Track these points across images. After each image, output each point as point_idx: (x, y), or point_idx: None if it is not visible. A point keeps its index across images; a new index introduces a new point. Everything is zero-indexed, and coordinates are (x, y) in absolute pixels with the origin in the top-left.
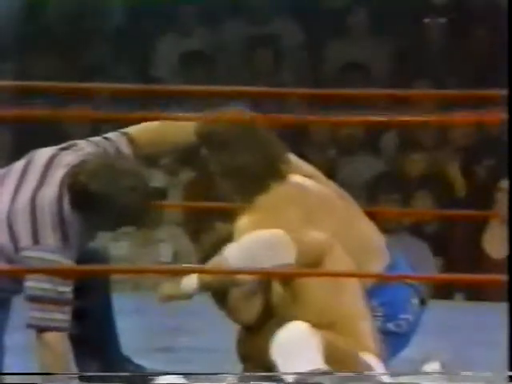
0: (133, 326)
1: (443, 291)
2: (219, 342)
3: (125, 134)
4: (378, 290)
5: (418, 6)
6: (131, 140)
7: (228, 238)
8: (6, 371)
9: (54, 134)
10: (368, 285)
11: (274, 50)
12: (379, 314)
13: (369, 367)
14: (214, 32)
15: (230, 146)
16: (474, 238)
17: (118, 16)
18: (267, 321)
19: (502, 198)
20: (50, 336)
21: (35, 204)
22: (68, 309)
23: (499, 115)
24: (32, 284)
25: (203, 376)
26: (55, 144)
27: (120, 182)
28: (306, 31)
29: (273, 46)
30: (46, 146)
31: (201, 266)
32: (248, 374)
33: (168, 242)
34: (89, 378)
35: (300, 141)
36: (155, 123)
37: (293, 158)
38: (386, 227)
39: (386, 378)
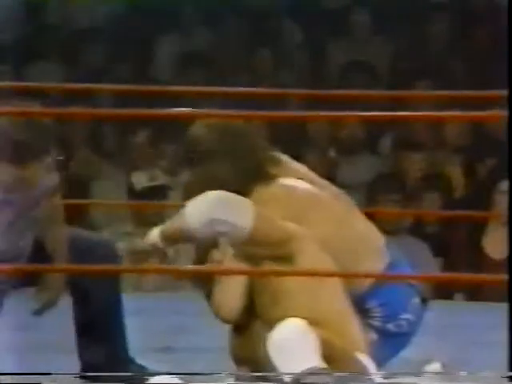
0: (133, 326)
1: (443, 291)
2: (219, 341)
3: None
4: (377, 290)
5: (419, 5)
6: None
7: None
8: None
9: None
10: (366, 285)
11: (274, 50)
12: (379, 314)
13: (363, 366)
14: (214, 32)
15: (214, 150)
16: (474, 239)
17: (117, 16)
18: (252, 321)
19: (500, 200)
20: None
21: None
22: None
23: (499, 115)
24: None
25: (200, 376)
26: None
27: None
28: (307, 31)
29: (272, 45)
30: None
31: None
32: (244, 373)
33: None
34: (88, 378)
35: (300, 141)
36: None
37: (284, 158)
38: (386, 227)
39: (379, 379)
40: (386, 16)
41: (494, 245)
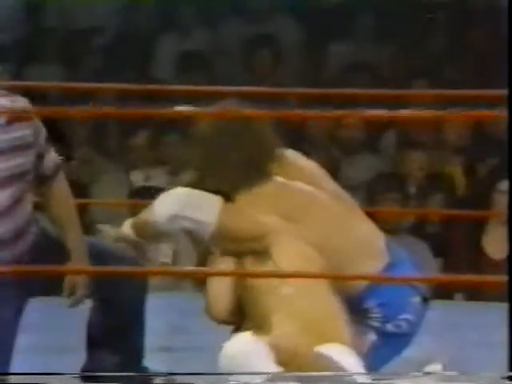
0: None
1: (443, 291)
2: (219, 341)
3: None
4: (376, 290)
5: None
6: None
7: None
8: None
9: None
10: (364, 285)
11: (274, 49)
12: (377, 315)
13: (329, 359)
14: (214, 32)
15: (215, 142)
16: (474, 239)
17: (117, 16)
18: (244, 322)
19: (500, 200)
20: None
21: None
22: None
23: (499, 115)
24: None
25: (200, 376)
26: None
27: None
28: (307, 31)
29: (272, 45)
30: None
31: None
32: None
33: (168, 242)
34: (90, 378)
35: (300, 141)
36: None
37: (291, 154)
38: (386, 227)
39: (362, 379)
40: (386, 16)
41: (493, 245)
